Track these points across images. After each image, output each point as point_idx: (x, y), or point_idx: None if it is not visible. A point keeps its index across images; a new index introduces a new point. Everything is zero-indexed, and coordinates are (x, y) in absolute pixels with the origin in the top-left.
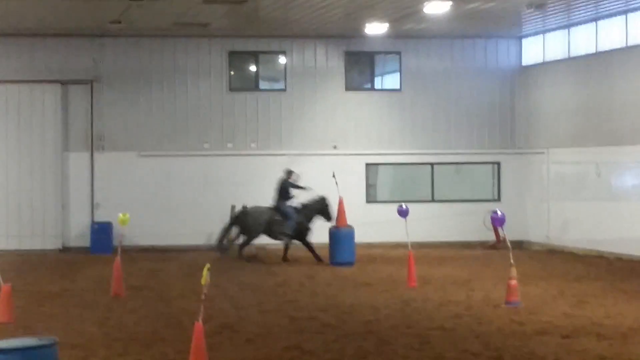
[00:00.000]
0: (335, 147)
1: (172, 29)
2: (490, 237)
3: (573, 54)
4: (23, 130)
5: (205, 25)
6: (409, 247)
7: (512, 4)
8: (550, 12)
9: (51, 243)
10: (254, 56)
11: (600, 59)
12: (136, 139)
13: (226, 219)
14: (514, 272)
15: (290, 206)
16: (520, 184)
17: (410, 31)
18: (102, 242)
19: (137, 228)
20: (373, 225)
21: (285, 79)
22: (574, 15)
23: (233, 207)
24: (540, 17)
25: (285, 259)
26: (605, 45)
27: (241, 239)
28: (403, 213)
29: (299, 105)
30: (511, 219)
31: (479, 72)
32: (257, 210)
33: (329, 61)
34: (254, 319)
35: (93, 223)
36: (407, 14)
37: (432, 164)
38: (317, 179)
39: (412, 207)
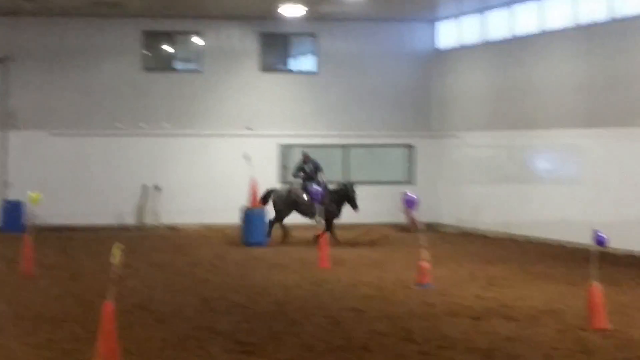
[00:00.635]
0: (249, 128)
1: (87, 8)
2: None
3: (488, 38)
4: None
5: (120, 4)
6: (322, 228)
7: None
8: None
9: None
10: (169, 36)
11: (515, 43)
12: (49, 117)
13: (136, 198)
14: (425, 254)
15: (318, 188)
16: (434, 167)
17: (326, 14)
18: (13, 220)
19: (49, 207)
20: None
21: (200, 59)
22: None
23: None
24: (455, 1)
25: (335, 239)
26: (520, 30)
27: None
28: (315, 195)
29: (213, 86)
30: (424, 201)
31: (395, 55)
32: (283, 190)
33: (244, 42)
34: (165, 298)
35: (4, 201)
36: None
37: (346, 146)
38: (230, 159)
39: None
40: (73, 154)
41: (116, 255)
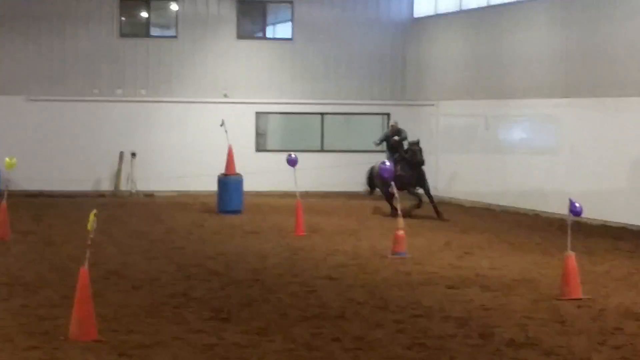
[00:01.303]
0: (225, 95)
1: None
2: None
3: (465, 6)
4: None
5: None
6: (298, 196)
7: None
8: None
9: None
10: (145, 2)
11: (491, 12)
12: (25, 83)
13: (113, 164)
14: (401, 222)
15: (387, 166)
16: (410, 135)
17: None
18: None
19: (24, 173)
20: (262, 174)
21: (177, 26)
22: None
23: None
24: None
25: (438, 215)
26: None
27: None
28: (292, 162)
29: (189, 53)
30: None
31: (371, 23)
32: (375, 166)
33: (221, 9)
34: (141, 265)
35: None
36: None
37: (322, 114)
38: (207, 127)
39: (302, 157)
40: (49, 120)
41: (92, 221)
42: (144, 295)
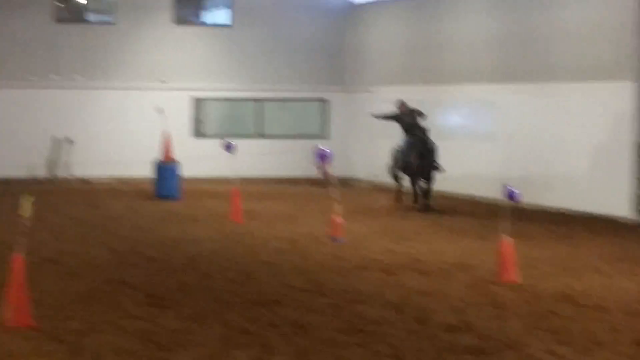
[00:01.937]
0: (162, 81)
1: None
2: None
3: None
4: None
5: None
6: (235, 182)
7: None
8: None
9: None
10: None
11: None
12: None
13: (48, 150)
14: (338, 208)
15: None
16: (348, 121)
17: None
18: None
19: None
20: (200, 160)
21: (114, 11)
22: None
23: None
24: None
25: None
26: None
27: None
28: (229, 148)
29: (126, 39)
30: (338, 156)
31: (310, 10)
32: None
33: None
34: (76, 251)
35: None
36: None
37: (260, 100)
38: (143, 112)
39: (240, 143)
40: None
41: (26, 207)
42: (80, 281)
